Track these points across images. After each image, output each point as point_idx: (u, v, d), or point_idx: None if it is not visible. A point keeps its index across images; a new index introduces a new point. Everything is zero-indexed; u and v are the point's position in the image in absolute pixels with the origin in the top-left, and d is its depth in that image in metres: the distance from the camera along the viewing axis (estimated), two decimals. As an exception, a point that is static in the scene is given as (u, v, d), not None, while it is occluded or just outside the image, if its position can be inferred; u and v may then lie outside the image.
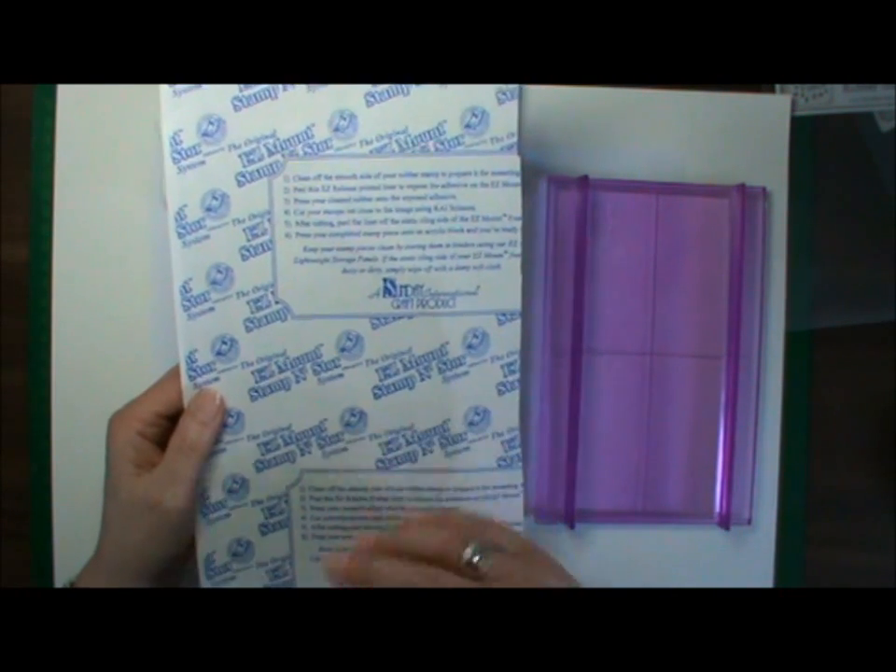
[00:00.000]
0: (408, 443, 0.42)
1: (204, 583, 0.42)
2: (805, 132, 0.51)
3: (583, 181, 0.48)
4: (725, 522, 0.49)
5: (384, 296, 0.42)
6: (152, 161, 0.48)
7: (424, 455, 0.42)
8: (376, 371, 0.42)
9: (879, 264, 0.51)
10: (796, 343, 0.51)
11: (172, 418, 0.42)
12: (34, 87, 0.49)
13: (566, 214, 0.49)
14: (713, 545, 0.50)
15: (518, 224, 0.42)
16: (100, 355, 0.49)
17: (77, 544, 0.44)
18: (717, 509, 0.50)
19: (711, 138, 0.50)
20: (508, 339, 0.42)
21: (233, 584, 0.42)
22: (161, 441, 0.42)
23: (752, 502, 0.49)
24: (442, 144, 0.41)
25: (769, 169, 0.50)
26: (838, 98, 0.51)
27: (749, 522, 0.50)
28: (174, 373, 0.42)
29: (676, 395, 0.50)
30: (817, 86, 0.50)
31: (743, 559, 0.50)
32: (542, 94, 0.47)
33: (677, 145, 0.50)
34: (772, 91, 0.51)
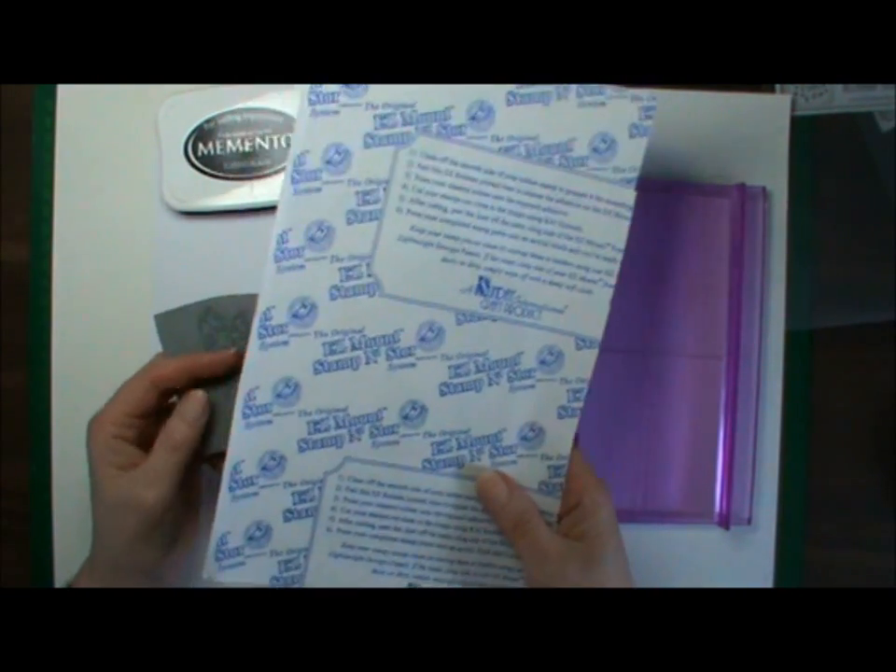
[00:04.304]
0: (459, 447, 0.41)
1: (211, 566, 0.41)
2: (805, 132, 0.51)
3: (583, 181, 0.48)
4: (725, 522, 0.49)
5: (475, 293, 0.41)
6: (152, 161, 0.48)
7: (471, 461, 0.42)
8: (448, 367, 0.41)
9: (879, 264, 0.51)
10: (796, 342, 0.51)
11: (144, 416, 0.42)
12: (34, 87, 0.49)
13: (566, 214, 0.49)
14: (713, 545, 0.50)
15: (619, 256, 0.42)
16: (100, 355, 0.49)
17: (76, 544, 0.44)
18: (717, 508, 0.50)
19: (711, 138, 0.50)
20: (582, 365, 0.42)
21: (240, 570, 0.41)
22: (142, 442, 0.42)
23: (752, 502, 0.49)
24: (567, 160, 0.41)
25: (769, 169, 0.50)
26: (838, 98, 0.51)
27: (749, 521, 0.50)
28: (140, 373, 0.42)
29: (676, 395, 0.50)
30: (817, 86, 0.50)
31: (743, 559, 0.50)
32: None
33: (677, 145, 0.50)
34: (772, 91, 0.51)
